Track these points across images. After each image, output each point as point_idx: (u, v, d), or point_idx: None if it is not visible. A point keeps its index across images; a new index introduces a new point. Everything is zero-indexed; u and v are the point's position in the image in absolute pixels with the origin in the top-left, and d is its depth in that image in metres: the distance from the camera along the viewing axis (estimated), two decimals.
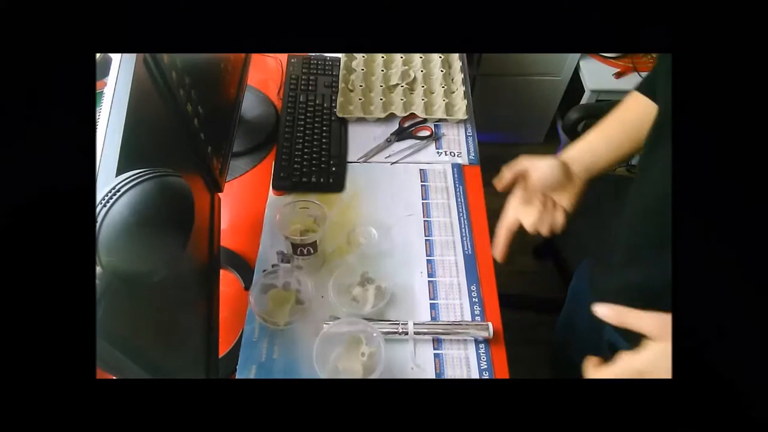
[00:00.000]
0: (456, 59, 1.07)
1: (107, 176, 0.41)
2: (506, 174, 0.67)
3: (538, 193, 0.68)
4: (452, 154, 0.95)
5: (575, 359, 0.62)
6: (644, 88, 0.69)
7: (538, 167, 0.67)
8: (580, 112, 1.23)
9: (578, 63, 1.60)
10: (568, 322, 0.92)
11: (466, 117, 0.98)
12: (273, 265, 0.79)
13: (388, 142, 0.95)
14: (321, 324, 0.71)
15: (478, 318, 0.76)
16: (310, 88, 1.01)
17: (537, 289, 1.57)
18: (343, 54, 1.06)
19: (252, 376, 0.70)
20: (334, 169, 0.90)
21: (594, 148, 0.70)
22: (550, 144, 1.91)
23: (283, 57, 1.08)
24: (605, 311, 0.52)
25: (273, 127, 0.98)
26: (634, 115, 0.68)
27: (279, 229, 0.74)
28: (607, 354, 0.53)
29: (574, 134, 1.29)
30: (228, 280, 0.80)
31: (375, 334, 0.67)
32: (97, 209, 0.35)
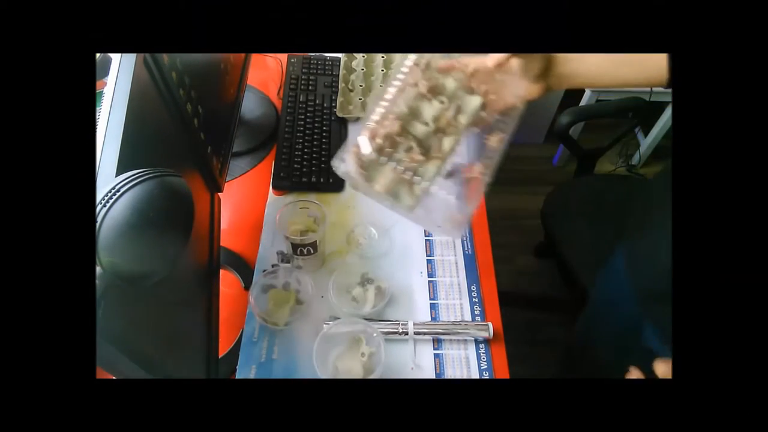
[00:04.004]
0: None
1: (107, 176, 0.41)
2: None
3: None
4: None
5: (601, 360, 0.57)
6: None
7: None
8: (571, 116, 1.18)
9: None
10: (591, 323, 0.90)
11: None
12: (273, 265, 0.79)
13: None
14: (321, 324, 0.71)
15: (478, 318, 0.76)
16: (310, 88, 1.01)
17: (537, 289, 1.57)
18: (343, 54, 1.06)
19: (252, 376, 0.70)
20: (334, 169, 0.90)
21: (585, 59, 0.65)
22: (550, 144, 1.91)
23: (283, 57, 1.08)
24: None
25: (273, 127, 0.98)
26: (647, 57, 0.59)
27: (279, 229, 0.74)
28: (642, 358, 0.51)
29: (566, 139, 1.26)
30: (228, 280, 0.80)
31: (375, 334, 0.67)
32: (97, 209, 0.35)
